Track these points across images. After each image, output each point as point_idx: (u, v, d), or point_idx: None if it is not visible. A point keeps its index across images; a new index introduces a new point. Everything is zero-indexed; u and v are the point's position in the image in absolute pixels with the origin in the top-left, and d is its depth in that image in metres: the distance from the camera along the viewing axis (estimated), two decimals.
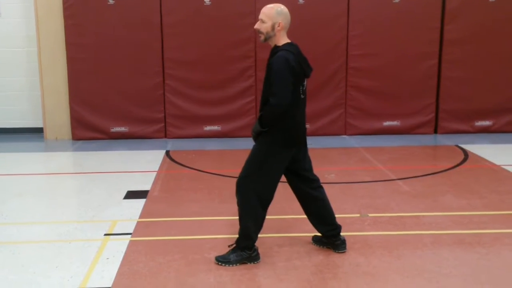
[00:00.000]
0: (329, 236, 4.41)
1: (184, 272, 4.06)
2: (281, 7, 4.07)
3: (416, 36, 9.01)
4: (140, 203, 5.71)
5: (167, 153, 8.05)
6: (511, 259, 4.34)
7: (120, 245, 4.56)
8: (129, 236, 4.79)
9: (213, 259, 4.22)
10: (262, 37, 4.09)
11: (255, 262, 4.20)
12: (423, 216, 5.29)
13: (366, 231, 4.91)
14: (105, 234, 4.83)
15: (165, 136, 9.13)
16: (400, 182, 6.47)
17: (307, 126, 8.92)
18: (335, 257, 4.32)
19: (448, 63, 9.11)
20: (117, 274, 4.04)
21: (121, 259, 4.29)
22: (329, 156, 7.87)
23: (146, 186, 6.29)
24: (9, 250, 4.51)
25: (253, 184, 4.07)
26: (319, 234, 4.51)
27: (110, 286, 3.87)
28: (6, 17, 9.12)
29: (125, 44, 8.76)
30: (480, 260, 4.29)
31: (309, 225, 4.48)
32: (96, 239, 4.71)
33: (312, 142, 8.85)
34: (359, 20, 8.95)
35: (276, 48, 4.05)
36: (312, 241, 4.58)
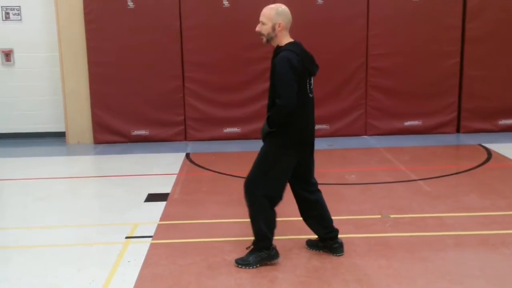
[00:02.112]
0: (327, 239, 4.35)
1: (204, 275, 4.07)
2: (281, 7, 4.02)
3: (437, 34, 8.91)
4: (160, 205, 5.73)
5: (187, 155, 8.08)
6: None
7: (141, 248, 4.58)
8: (150, 239, 4.81)
9: (234, 262, 4.21)
10: (264, 39, 4.08)
11: (275, 261, 4.18)
12: (445, 217, 5.21)
13: (387, 232, 4.85)
14: (126, 237, 4.86)
15: (185, 139, 9.16)
16: (421, 182, 6.39)
17: (327, 126, 9.13)
18: (356, 259, 4.28)
19: (470, 61, 9.00)
20: (138, 277, 4.06)
21: (142, 262, 4.31)
22: (350, 157, 7.81)
23: (167, 189, 6.32)
24: (32, 254, 4.56)
25: (261, 186, 4.04)
26: (313, 238, 4.46)
27: None
28: (27, 23, 9.24)
29: (145, 48, 8.82)
30: (505, 261, 4.21)
31: None
32: (117, 242, 4.74)
33: (333, 143, 8.86)
34: (379, 19, 8.88)
35: (278, 49, 4.03)
36: (306, 246, 4.50)
